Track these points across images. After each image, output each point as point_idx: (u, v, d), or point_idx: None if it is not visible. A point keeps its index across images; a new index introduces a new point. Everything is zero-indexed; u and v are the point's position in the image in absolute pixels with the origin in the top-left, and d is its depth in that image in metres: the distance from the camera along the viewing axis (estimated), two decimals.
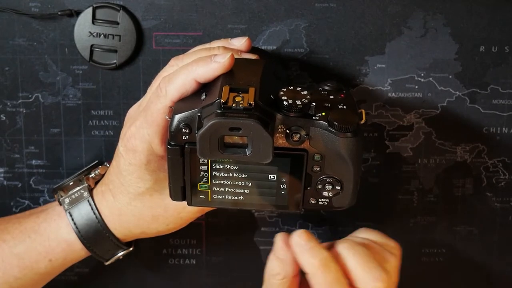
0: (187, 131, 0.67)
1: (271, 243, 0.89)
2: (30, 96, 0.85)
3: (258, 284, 0.91)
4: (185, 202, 0.72)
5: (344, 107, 0.69)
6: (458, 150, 0.86)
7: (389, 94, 0.84)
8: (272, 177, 0.70)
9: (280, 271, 0.75)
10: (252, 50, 0.77)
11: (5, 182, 0.88)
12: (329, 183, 0.70)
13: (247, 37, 0.76)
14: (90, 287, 0.92)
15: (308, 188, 0.70)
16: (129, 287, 0.91)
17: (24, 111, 0.85)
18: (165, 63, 0.76)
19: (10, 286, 0.80)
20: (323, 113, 0.67)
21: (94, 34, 0.82)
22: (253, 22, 0.82)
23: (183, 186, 0.71)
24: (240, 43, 0.76)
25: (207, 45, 0.77)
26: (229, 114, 0.63)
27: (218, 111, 0.63)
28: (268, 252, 0.89)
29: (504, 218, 0.88)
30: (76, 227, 0.79)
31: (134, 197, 0.76)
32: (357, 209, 0.76)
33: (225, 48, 0.75)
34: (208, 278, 0.91)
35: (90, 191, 0.80)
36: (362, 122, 0.69)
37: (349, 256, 0.74)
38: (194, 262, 0.91)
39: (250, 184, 0.71)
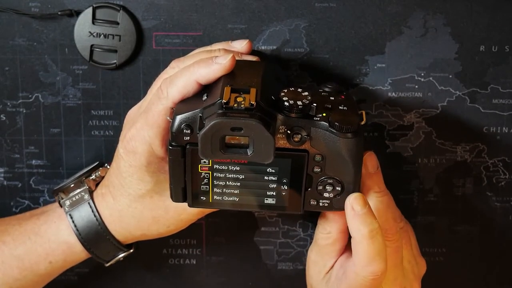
0: (189, 131, 0.67)
1: (271, 243, 0.90)
2: (30, 96, 0.85)
3: (258, 284, 0.91)
4: (185, 204, 0.73)
5: (344, 108, 0.69)
6: (458, 150, 0.86)
7: (389, 94, 0.84)
8: (273, 178, 0.70)
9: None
10: (252, 53, 0.77)
11: (5, 182, 0.88)
12: (330, 184, 0.70)
13: (247, 40, 0.76)
14: (90, 287, 0.91)
15: (309, 189, 0.70)
16: (129, 287, 0.91)
17: (24, 111, 0.85)
18: (165, 63, 0.76)
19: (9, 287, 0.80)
20: (324, 114, 0.67)
21: (94, 34, 0.82)
22: (253, 22, 0.82)
23: (184, 187, 0.71)
24: (241, 45, 0.76)
25: (208, 48, 0.77)
26: (231, 114, 0.63)
27: (220, 111, 0.63)
28: (268, 252, 0.89)
29: (504, 218, 0.88)
30: (77, 229, 0.79)
31: (134, 199, 0.76)
32: None
33: (226, 50, 0.75)
34: (208, 278, 0.91)
35: (91, 193, 0.80)
36: (363, 123, 0.69)
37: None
38: (194, 262, 0.91)
39: (251, 186, 0.71)
